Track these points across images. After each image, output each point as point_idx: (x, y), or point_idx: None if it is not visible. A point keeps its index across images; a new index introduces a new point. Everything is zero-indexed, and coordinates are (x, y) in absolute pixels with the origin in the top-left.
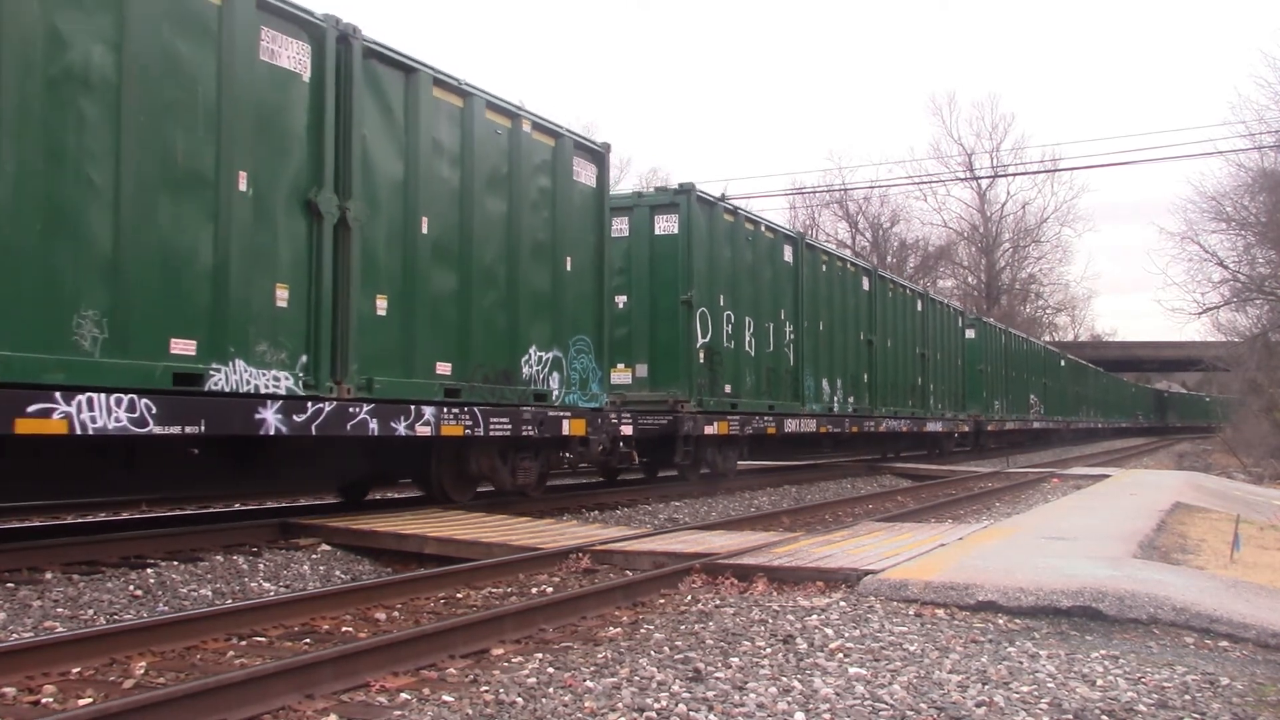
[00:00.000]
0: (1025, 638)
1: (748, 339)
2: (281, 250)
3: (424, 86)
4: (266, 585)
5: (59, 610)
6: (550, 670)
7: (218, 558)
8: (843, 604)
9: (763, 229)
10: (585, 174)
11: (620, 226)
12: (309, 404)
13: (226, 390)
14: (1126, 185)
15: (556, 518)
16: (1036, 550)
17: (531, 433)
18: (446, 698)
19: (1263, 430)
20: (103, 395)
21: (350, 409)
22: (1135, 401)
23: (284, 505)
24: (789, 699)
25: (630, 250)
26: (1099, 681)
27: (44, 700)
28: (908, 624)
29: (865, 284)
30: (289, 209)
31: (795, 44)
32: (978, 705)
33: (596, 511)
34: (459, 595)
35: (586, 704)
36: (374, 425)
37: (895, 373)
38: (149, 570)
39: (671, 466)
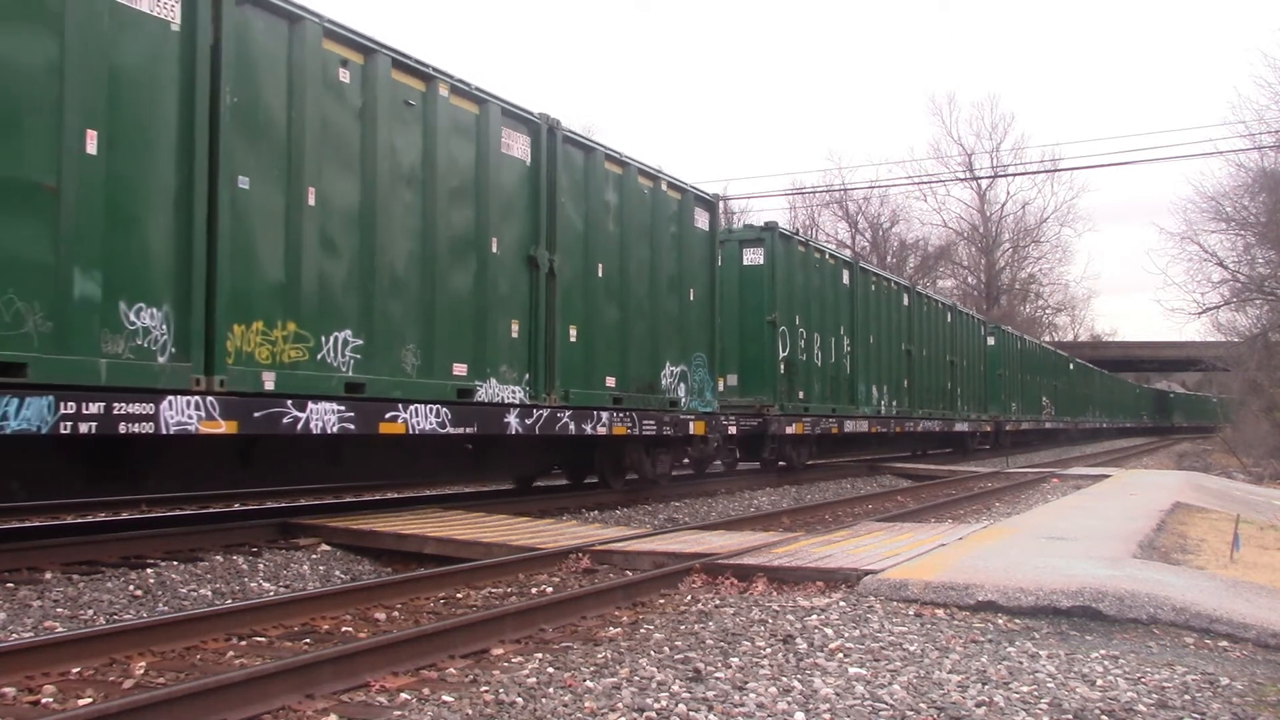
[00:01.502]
0: (1025, 638)
1: (815, 352)
2: (514, 295)
3: (599, 161)
4: (266, 585)
5: (59, 610)
6: (550, 670)
7: (217, 558)
8: (843, 604)
9: (826, 256)
10: (701, 220)
11: None
12: (534, 410)
13: (486, 401)
14: (1126, 185)
15: (556, 518)
16: (1036, 550)
17: (669, 432)
18: (446, 698)
19: (1263, 430)
20: (420, 405)
21: (558, 414)
22: (1139, 402)
23: (284, 505)
24: (789, 699)
25: (722, 278)
26: (1099, 681)
27: (44, 700)
28: (908, 624)
29: (905, 300)
30: (518, 263)
31: (795, 44)
32: (978, 705)
33: (596, 511)
34: (459, 595)
35: (586, 704)
36: (572, 426)
37: (929, 378)
38: (149, 570)
39: (756, 460)
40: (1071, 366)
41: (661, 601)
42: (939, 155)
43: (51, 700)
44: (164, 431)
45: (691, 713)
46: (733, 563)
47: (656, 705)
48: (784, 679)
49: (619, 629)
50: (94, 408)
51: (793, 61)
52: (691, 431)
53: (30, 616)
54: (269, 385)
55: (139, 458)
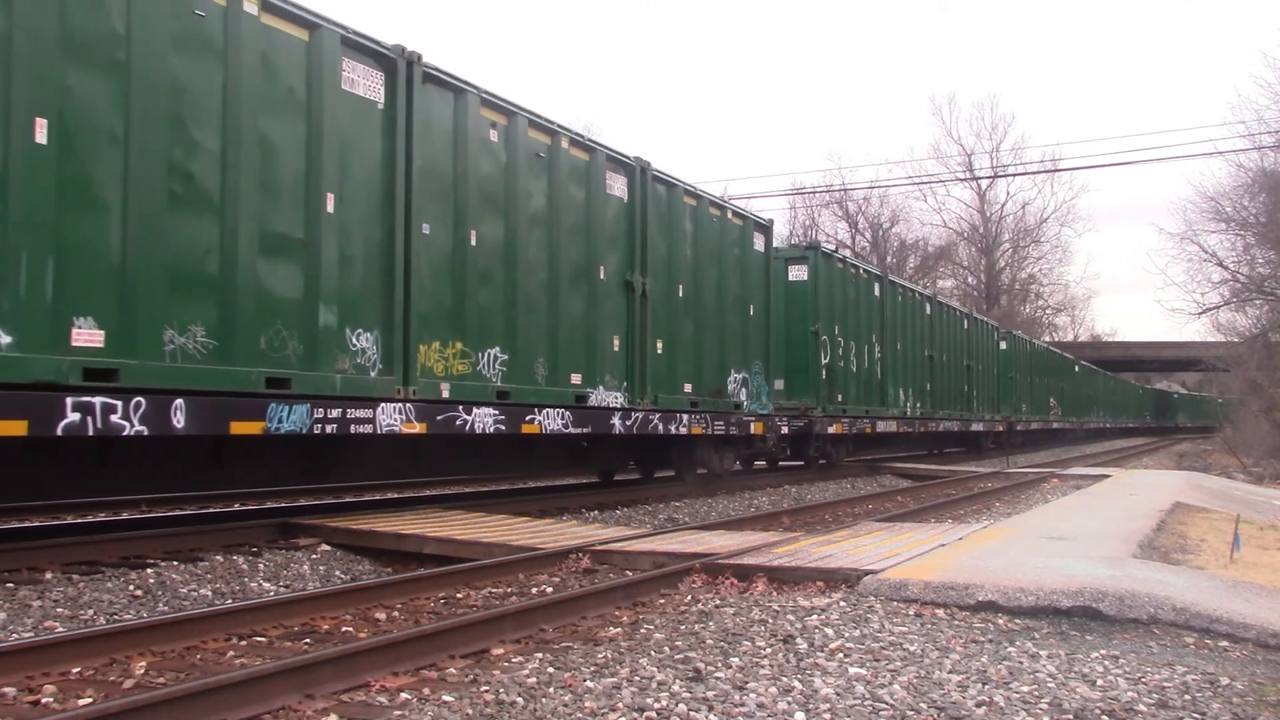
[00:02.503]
0: (1025, 638)
1: (851, 359)
2: (615, 314)
3: (679, 195)
4: (266, 585)
5: (59, 610)
6: (550, 670)
7: (217, 558)
8: (843, 604)
9: (860, 271)
10: (759, 243)
11: None
12: (631, 413)
13: (597, 405)
14: (1126, 185)
15: (556, 518)
16: (1036, 550)
17: (734, 432)
18: (446, 698)
19: (1263, 430)
20: (549, 409)
21: (650, 416)
22: (1141, 402)
23: (284, 505)
24: (789, 699)
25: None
26: (1099, 681)
27: (44, 700)
28: (908, 624)
29: (927, 309)
30: (618, 286)
31: (795, 44)
32: (978, 705)
33: (596, 511)
34: (459, 595)
35: (586, 704)
36: (660, 426)
37: (948, 381)
38: (149, 570)
39: (800, 458)
40: (1077, 369)
41: (662, 601)
42: (939, 155)
43: (51, 700)
44: (379, 431)
45: (692, 713)
46: (733, 563)
47: (657, 705)
48: (784, 679)
49: (619, 629)
50: (334, 412)
51: (793, 61)
52: (752, 431)
53: (30, 616)
54: (445, 394)
55: (332, 453)
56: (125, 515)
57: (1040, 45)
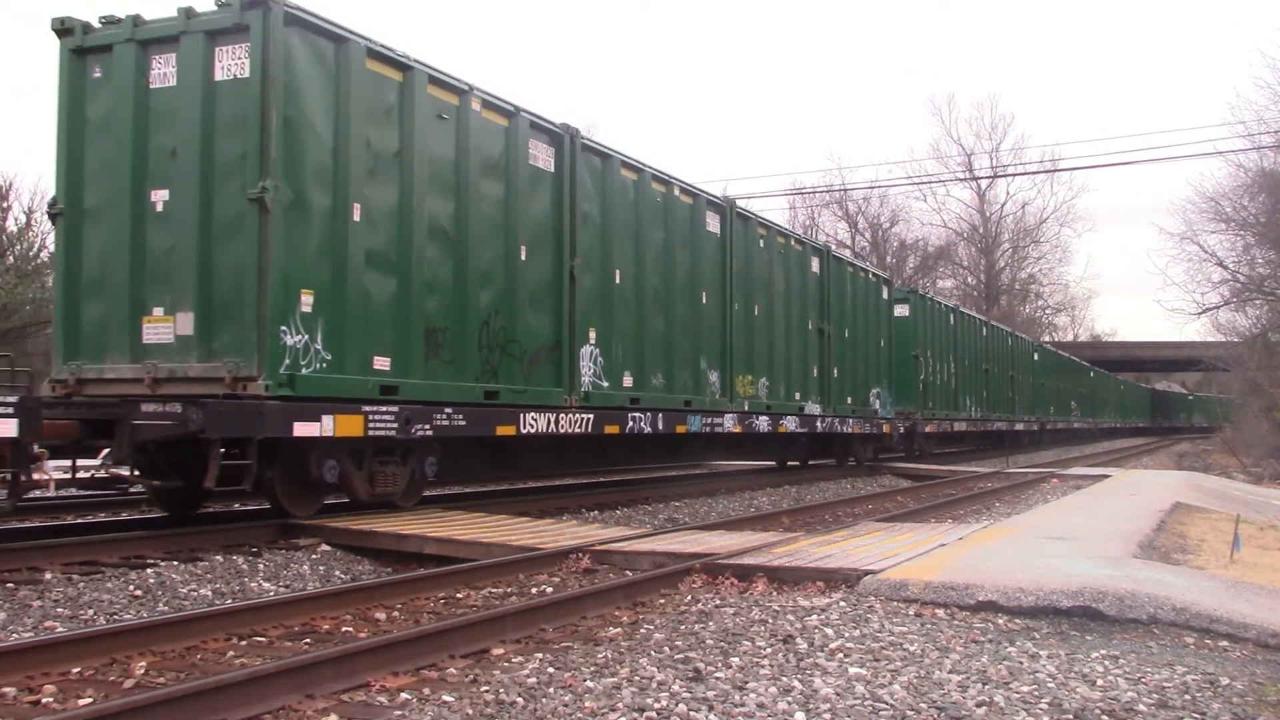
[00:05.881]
0: (1025, 638)
1: (936, 374)
2: (810, 350)
3: (845, 268)
4: (266, 585)
5: (59, 610)
6: (550, 670)
7: (218, 558)
8: (843, 604)
9: (942, 305)
10: (885, 293)
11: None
12: (825, 418)
13: (809, 413)
14: (1126, 185)
15: (556, 518)
16: (1036, 550)
17: (873, 430)
18: (447, 697)
19: (1262, 430)
20: (789, 417)
21: (835, 420)
22: (1151, 403)
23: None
24: (789, 699)
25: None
26: (1099, 681)
27: (44, 700)
28: (908, 624)
29: (984, 331)
30: (813, 332)
31: (795, 44)
32: (978, 705)
33: (596, 511)
34: (459, 595)
35: (587, 704)
36: (837, 426)
37: (999, 389)
38: (149, 570)
39: (902, 451)
40: (1092, 374)
41: (662, 601)
42: (939, 155)
43: (51, 700)
44: (724, 430)
45: (692, 713)
46: (733, 563)
47: (657, 705)
48: (784, 679)
49: (619, 629)
50: (709, 420)
51: (793, 62)
52: (884, 430)
53: (30, 616)
54: (746, 407)
55: (682, 443)
56: (125, 515)
57: (1040, 45)
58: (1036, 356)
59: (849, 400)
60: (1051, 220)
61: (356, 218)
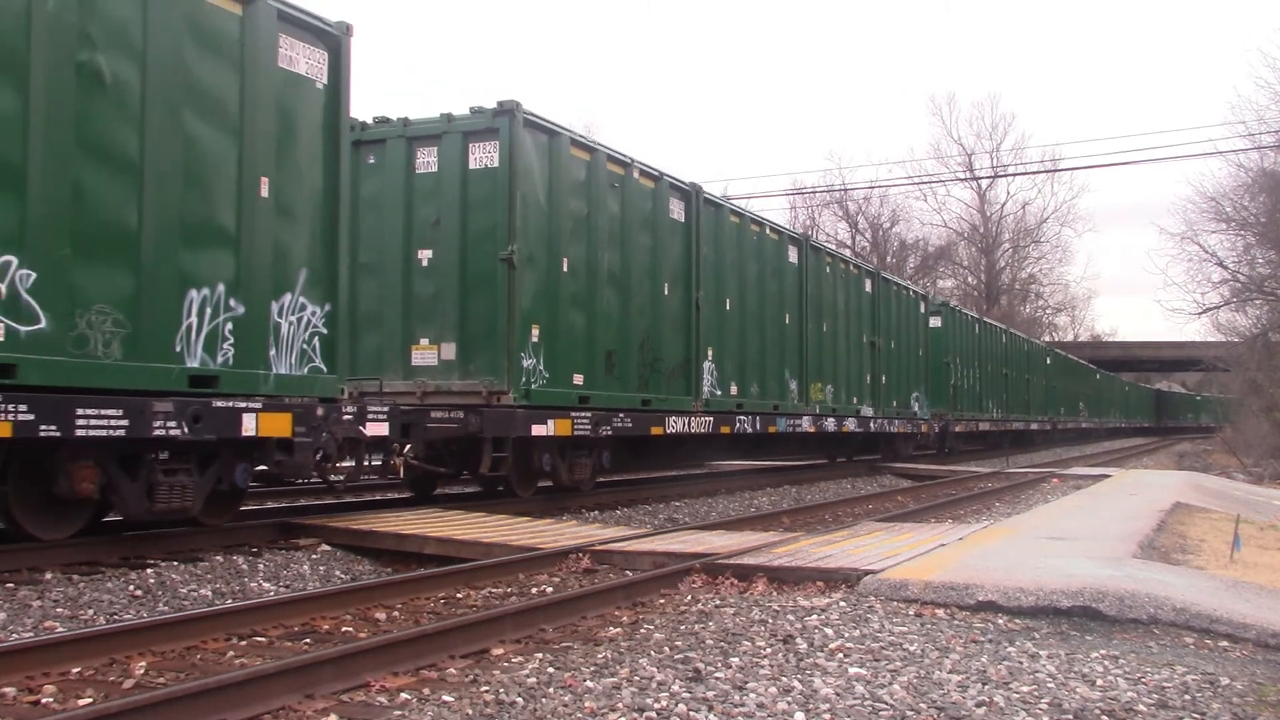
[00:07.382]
0: (1025, 638)
1: (964, 379)
2: (864, 361)
3: (893, 290)
4: (266, 585)
5: (59, 610)
6: (550, 670)
7: (218, 558)
8: (843, 604)
9: (969, 317)
10: (923, 307)
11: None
12: (877, 419)
13: (864, 415)
14: (1126, 185)
15: (556, 518)
16: (1036, 550)
17: (913, 430)
18: (446, 698)
19: (1263, 430)
20: (849, 419)
21: (884, 420)
22: (1156, 403)
23: (284, 506)
24: (789, 699)
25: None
26: (1099, 681)
27: (44, 700)
28: (908, 624)
29: (1004, 339)
30: (866, 345)
31: (795, 44)
32: (978, 705)
33: (596, 511)
34: (459, 595)
35: (586, 704)
36: (885, 426)
37: (1016, 392)
38: (149, 570)
39: (936, 448)
40: (1098, 376)
41: (661, 601)
42: (939, 155)
43: (51, 700)
44: (802, 430)
45: (691, 713)
46: (733, 563)
47: (656, 705)
48: (784, 679)
49: (619, 629)
50: (792, 420)
51: (793, 62)
52: (922, 430)
53: (30, 616)
54: (818, 410)
55: (769, 440)
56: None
57: (1040, 45)
58: (1048, 360)
59: (894, 403)
60: (1052, 220)
61: (565, 269)
